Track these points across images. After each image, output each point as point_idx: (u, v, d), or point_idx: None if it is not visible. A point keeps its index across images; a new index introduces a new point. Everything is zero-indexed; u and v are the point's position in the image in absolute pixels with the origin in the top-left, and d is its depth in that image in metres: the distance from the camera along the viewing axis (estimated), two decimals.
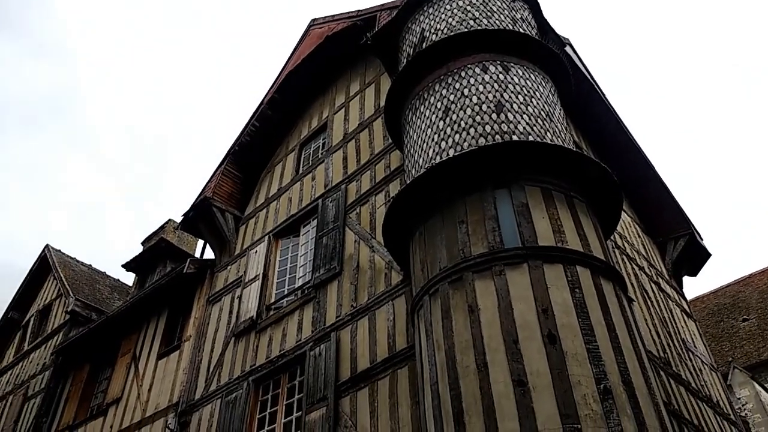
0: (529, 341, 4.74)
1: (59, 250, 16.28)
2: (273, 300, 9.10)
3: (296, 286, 8.90)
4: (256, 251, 9.95)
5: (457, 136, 6.20)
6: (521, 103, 6.35)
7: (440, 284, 5.47)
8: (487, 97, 6.38)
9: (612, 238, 8.48)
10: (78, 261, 16.44)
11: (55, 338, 13.61)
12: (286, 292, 9.01)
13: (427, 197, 6.11)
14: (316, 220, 9.28)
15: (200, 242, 12.14)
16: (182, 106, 69.43)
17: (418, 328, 5.71)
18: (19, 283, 16.54)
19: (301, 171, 10.61)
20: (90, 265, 16.66)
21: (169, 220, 15.76)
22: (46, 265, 15.96)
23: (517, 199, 5.67)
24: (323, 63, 11.14)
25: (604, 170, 5.98)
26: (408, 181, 6.51)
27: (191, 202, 11.28)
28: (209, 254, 11.29)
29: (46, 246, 16.09)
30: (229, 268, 10.50)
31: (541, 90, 6.75)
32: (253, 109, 11.68)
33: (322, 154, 10.35)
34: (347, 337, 7.28)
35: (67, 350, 12.55)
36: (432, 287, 5.56)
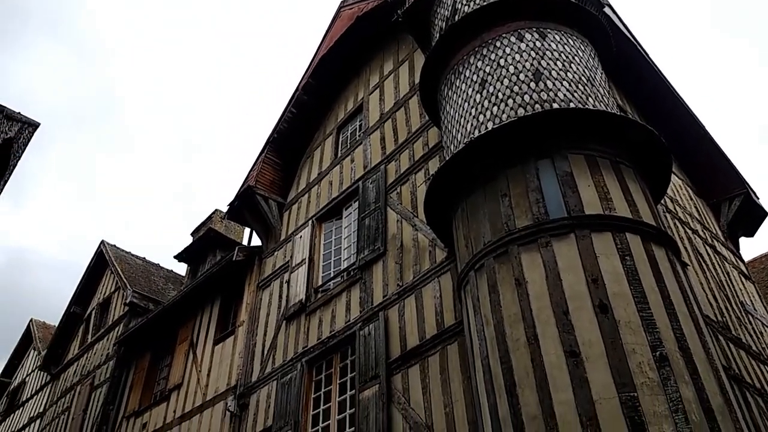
0: (579, 312, 4.68)
1: (114, 245, 16.90)
2: (320, 283, 9.24)
3: (342, 268, 9.01)
4: (301, 236, 10.10)
5: (495, 108, 6.10)
6: (560, 69, 6.18)
7: (485, 259, 5.44)
8: (524, 66, 6.23)
9: (662, 202, 8.23)
10: (132, 254, 17.04)
11: (116, 329, 14.22)
12: (332, 275, 9.14)
13: (467, 172, 6.05)
14: (357, 202, 9.34)
15: (247, 230, 12.41)
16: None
17: (465, 304, 5.71)
18: (79, 280, 17.32)
19: (339, 154, 10.66)
20: (144, 258, 17.24)
21: (216, 210, 16.12)
22: (102, 260, 16.62)
23: (560, 169, 5.55)
24: (356, 44, 11.10)
25: (651, 133, 5.78)
26: (447, 158, 6.46)
27: (235, 192, 11.52)
28: (256, 241, 11.55)
29: (102, 242, 16.72)
30: (276, 253, 10.70)
31: (581, 55, 6.55)
32: (288, 97, 11.78)
33: (359, 135, 10.36)
34: (395, 316, 7.34)
35: (128, 340, 13.11)
36: (477, 262, 5.54)
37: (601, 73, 6.80)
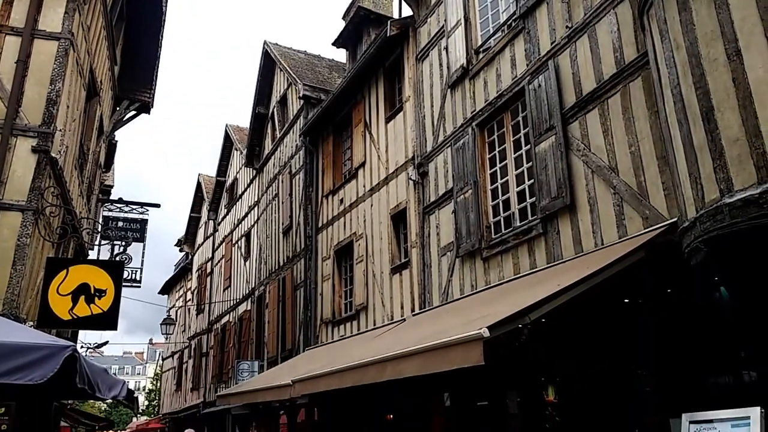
0: None
1: (276, 43, 17.56)
2: (480, 42, 8.80)
3: (501, 21, 8.40)
4: None
5: None
6: None
7: None
8: None
9: None
10: (294, 49, 17.65)
11: (298, 122, 15.45)
12: (491, 31, 8.60)
13: None
14: None
15: (395, 1, 11.90)
16: None
17: (650, 31, 5.06)
18: (255, 82, 18.62)
19: None
20: (305, 51, 17.79)
21: None
22: (270, 60, 17.51)
23: None
24: None
25: None
26: None
27: None
28: (407, 11, 11.09)
29: (264, 41, 17.44)
30: (428, 20, 10.25)
31: None
32: None
33: None
34: (566, 62, 6.85)
35: (310, 130, 14.24)
36: None
37: None
